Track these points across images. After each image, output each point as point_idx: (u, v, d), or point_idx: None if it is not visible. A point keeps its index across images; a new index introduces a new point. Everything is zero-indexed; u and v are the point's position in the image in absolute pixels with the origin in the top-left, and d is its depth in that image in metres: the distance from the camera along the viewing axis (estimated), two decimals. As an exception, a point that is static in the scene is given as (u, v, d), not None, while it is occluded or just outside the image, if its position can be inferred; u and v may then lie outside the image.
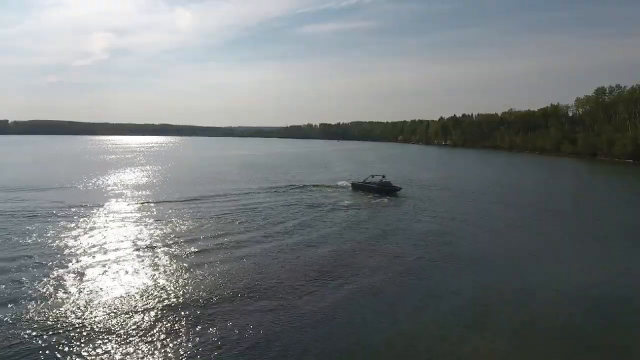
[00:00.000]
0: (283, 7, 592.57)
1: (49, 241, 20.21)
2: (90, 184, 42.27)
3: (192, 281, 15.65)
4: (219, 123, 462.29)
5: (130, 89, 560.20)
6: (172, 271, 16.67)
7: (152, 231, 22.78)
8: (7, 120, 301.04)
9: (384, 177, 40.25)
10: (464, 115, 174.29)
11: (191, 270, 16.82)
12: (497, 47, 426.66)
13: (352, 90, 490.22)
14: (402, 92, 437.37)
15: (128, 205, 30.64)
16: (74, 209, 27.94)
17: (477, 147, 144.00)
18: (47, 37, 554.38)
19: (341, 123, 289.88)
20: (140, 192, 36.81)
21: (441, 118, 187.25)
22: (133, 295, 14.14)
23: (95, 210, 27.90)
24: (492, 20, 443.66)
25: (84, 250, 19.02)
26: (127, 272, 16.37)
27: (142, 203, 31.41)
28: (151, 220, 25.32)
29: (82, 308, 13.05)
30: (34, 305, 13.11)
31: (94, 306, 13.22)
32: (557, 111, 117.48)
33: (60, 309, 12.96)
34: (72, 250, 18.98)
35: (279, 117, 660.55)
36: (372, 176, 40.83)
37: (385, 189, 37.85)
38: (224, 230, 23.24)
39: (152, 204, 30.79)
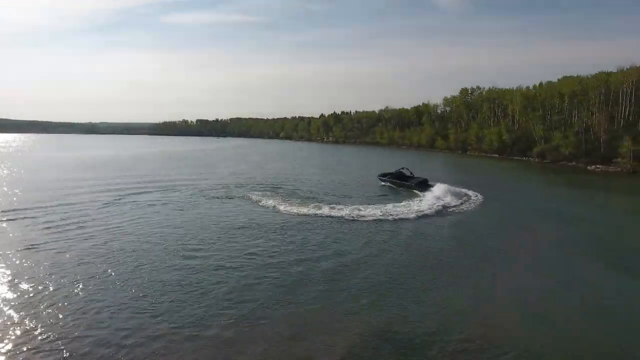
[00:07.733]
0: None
1: None
2: None
3: None
4: (76, 118, 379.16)
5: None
6: None
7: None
8: None
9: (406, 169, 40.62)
10: (343, 112, 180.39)
11: None
12: (358, 49, 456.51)
13: (228, 84, 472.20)
14: (277, 87, 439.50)
15: None
16: None
17: (358, 143, 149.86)
18: None
19: (219, 119, 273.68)
20: None
21: (322, 115, 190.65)
22: None
23: None
24: (357, 24, 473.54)
25: None
26: None
27: None
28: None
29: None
30: None
31: None
32: (428, 109, 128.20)
33: None
34: None
35: (151, 112, 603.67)
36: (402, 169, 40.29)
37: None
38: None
39: None
